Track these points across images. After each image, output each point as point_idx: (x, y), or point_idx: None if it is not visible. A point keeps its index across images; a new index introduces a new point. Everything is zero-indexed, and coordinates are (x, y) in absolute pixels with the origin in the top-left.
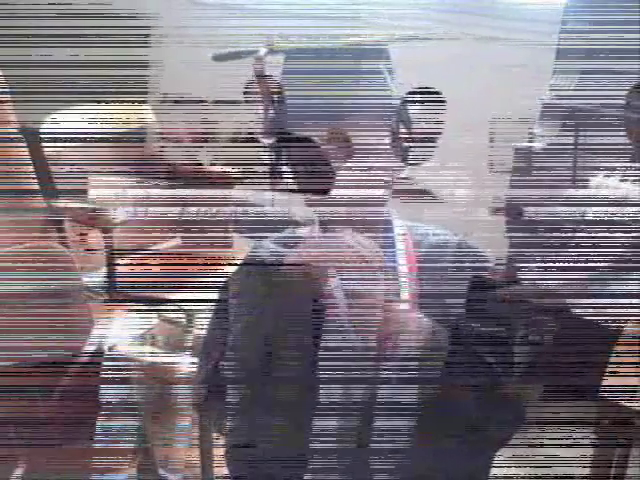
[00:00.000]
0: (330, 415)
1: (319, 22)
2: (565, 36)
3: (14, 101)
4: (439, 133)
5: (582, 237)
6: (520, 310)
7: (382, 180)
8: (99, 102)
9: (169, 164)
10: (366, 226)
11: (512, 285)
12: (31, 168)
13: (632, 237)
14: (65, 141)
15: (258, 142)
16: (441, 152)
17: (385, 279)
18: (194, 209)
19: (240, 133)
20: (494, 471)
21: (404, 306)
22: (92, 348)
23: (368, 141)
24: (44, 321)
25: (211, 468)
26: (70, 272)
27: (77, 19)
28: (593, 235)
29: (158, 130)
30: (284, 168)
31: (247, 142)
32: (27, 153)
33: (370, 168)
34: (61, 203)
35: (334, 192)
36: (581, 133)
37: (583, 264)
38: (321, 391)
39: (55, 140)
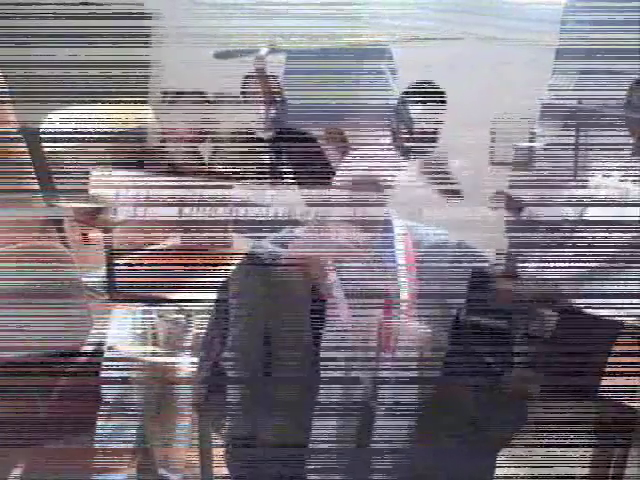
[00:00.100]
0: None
1: (321, 22)
2: (565, 36)
3: (15, 101)
4: (439, 127)
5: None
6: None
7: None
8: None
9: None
10: (366, 226)
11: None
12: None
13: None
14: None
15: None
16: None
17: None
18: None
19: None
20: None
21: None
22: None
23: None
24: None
25: (210, 467)
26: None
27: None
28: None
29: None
30: (283, 162)
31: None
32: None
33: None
34: (62, 203)
35: (334, 192)
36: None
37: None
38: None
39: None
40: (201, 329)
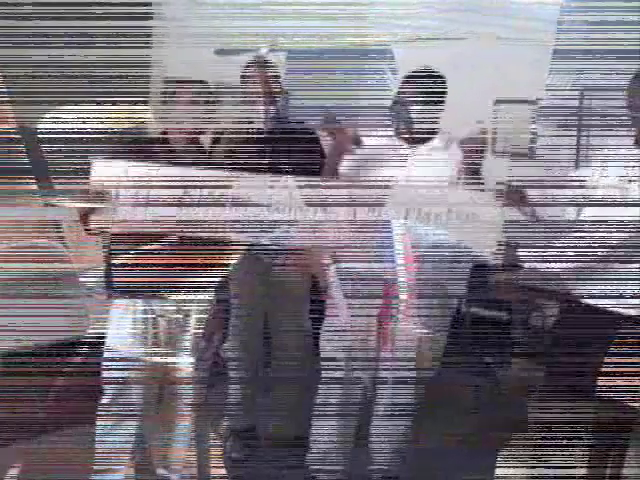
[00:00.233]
0: None
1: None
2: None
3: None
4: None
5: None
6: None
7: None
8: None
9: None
10: (365, 226)
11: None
12: None
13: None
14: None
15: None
16: None
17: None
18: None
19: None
20: None
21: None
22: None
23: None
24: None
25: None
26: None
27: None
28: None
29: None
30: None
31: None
32: None
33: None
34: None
35: (333, 192)
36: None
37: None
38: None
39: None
40: (199, 328)
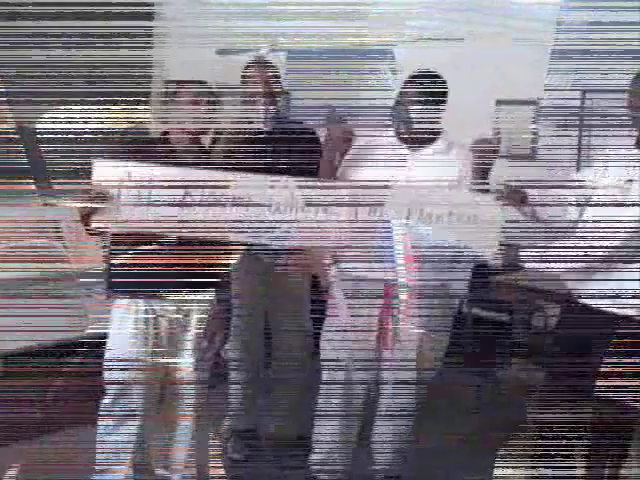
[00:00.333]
0: None
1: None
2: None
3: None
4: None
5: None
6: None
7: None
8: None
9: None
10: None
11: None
12: None
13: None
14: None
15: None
16: None
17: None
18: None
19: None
20: None
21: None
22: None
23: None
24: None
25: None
26: None
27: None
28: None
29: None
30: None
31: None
32: None
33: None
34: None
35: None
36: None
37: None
38: None
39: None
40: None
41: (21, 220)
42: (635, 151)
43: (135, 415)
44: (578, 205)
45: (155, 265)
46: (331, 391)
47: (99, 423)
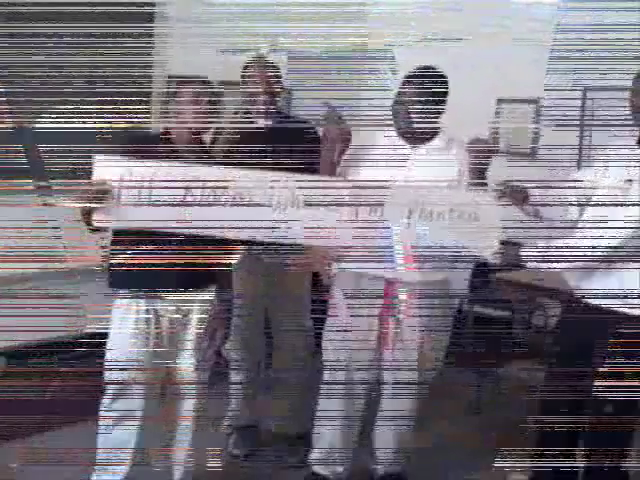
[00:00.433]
0: None
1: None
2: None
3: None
4: (440, 113)
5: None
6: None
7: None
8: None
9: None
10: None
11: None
12: None
13: None
14: None
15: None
16: None
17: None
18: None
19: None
20: None
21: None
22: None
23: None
24: None
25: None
26: None
27: None
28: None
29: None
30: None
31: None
32: None
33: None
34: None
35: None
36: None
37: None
38: None
39: None
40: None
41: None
42: (637, 151)
43: (135, 415)
44: (579, 205)
45: (156, 264)
46: (332, 390)
47: (99, 422)
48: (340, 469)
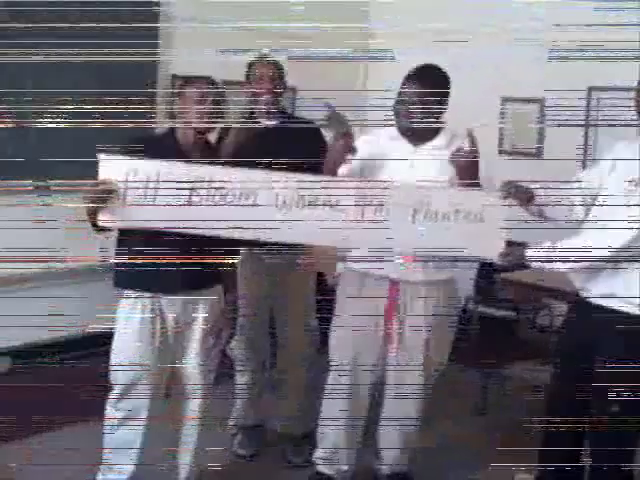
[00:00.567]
0: None
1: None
2: None
3: None
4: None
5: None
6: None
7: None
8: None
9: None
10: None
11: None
12: None
13: None
14: None
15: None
16: None
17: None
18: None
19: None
20: None
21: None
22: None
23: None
24: None
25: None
26: None
27: None
28: None
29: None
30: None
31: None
32: None
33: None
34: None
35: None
36: None
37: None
38: None
39: None
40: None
41: None
42: None
43: (141, 413)
44: (584, 205)
45: (161, 264)
46: (337, 390)
47: (105, 421)
48: (345, 468)
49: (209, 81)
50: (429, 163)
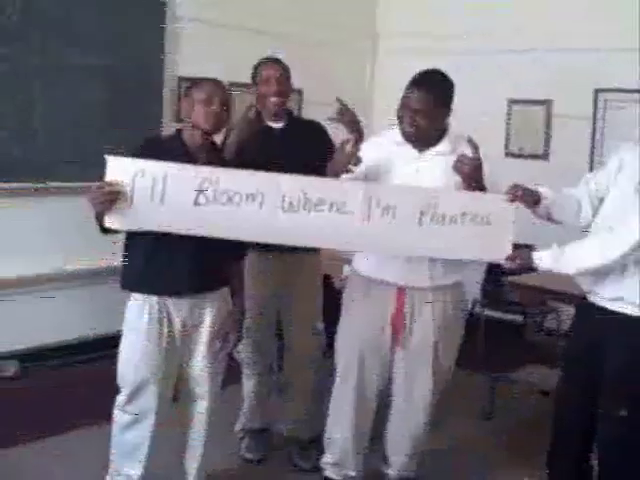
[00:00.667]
0: None
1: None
2: None
3: None
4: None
5: None
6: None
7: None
8: None
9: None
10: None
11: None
12: None
13: None
14: None
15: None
16: None
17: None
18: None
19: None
20: None
21: None
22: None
23: None
24: None
25: None
26: None
27: None
28: None
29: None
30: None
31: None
32: None
33: None
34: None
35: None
36: None
37: None
38: None
39: None
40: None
41: None
42: None
43: (149, 416)
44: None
45: (169, 264)
46: (343, 394)
47: (113, 422)
48: (353, 474)
49: (216, 83)
50: (434, 168)
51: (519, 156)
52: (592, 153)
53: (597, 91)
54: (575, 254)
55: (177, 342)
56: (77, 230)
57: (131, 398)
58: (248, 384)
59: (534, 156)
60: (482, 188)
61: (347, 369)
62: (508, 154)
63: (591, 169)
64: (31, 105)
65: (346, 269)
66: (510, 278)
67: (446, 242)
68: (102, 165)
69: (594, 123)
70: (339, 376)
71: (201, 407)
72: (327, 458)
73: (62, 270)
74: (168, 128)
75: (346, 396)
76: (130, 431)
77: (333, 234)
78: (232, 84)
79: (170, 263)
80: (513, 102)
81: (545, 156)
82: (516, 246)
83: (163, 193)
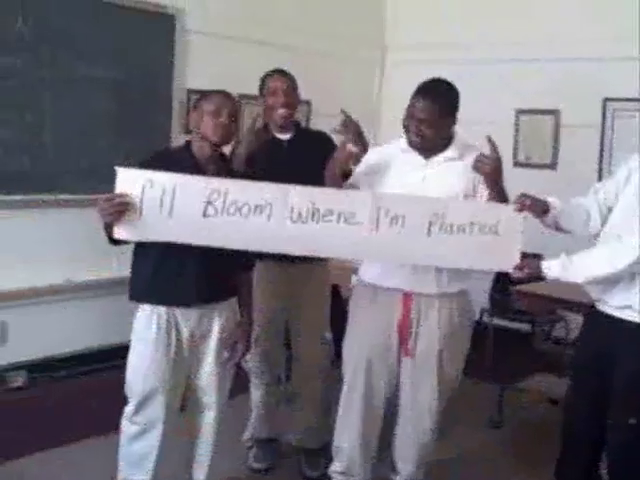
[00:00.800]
0: None
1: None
2: None
3: None
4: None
5: None
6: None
7: None
8: None
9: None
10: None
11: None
12: None
13: None
14: None
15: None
16: None
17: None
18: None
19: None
20: None
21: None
22: None
23: None
24: None
25: None
26: None
27: None
28: None
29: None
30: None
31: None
32: None
33: None
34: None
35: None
36: None
37: None
38: None
39: None
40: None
41: None
42: None
43: (157, 426)
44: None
45: (177, 275)
46: (351, 402)
47: (121, 432)
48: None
49: (225, 95)
50: (441, 175)
51: (527, 166)
52: (600, 162)
53: (605, 100)
54: (584, 263)
55: (185, 352)
56: (86, 241)
57: (139, 408)
58: (256, 394)
59: (542, 166)
60: (502, 189)
61: (354, 376)
62: (516, 164)
63: (599, 178)
64: (40, 117)
65: (354, 279)
66: (518, 287)
67: (454, 251)
68: (111, 177)
69: (602, 132)
70: (346, 384)
71: (209, 417)
72: (335, 466)
73: (70, 281)
74: (177, 140)
75: (354, 404)
76: (138, 441)
77: (341, 244)
78: (241, 96)
79: (178, 274)
80: (521, 112)
81: (553, 166)
82: (524, 255)
83: (172, 204)
